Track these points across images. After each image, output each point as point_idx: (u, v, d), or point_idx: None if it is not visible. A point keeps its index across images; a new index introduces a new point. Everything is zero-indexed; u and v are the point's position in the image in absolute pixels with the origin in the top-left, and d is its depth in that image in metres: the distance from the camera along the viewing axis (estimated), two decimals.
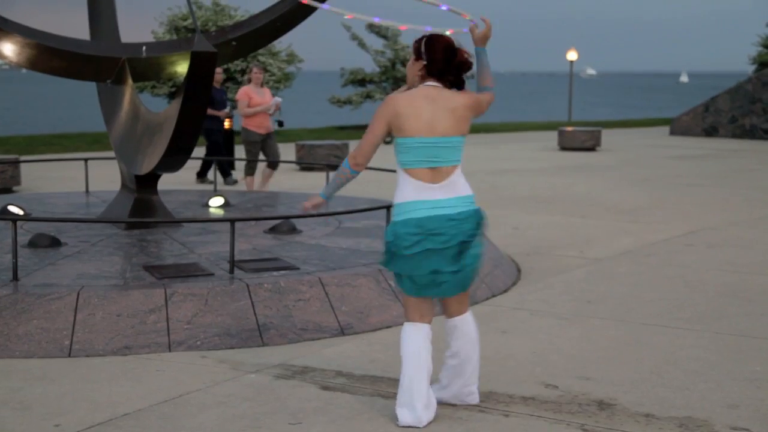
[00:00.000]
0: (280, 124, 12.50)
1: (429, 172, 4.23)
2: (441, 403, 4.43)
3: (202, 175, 14.15)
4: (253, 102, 11.68)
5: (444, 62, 4.26)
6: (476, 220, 4.28)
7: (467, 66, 4.31)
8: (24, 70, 8.47)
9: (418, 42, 4.33)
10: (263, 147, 11.89)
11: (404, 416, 4.23)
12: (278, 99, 11.97)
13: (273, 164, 12.04)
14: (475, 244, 4.29)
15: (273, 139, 11.98)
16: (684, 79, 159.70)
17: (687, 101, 29.33)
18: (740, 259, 8.36)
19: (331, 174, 11.17)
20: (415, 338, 4.33)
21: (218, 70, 14.08)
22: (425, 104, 4.22)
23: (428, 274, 4.23)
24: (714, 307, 6.57)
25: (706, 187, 13.88)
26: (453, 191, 4.25)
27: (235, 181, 13.85)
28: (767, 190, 13.56)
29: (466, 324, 4.52)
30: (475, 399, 4.52)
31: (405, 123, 4.20)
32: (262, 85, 12.06)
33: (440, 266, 4.22)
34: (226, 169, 13.98)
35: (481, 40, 4.42)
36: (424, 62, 4.28)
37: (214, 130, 13.76)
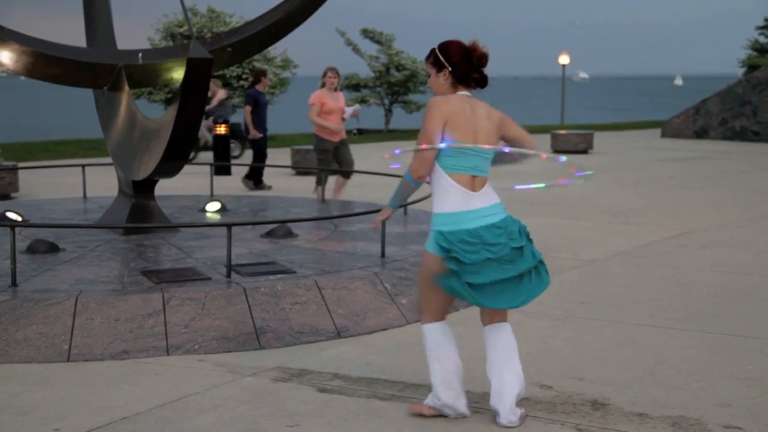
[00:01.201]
0: (359, 132, 12.02)
1: (470, 179, 4.19)
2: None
3: (251, 177, 13.75)
4: (326, 107, 10.74)
5: (467, 62, 4.25)
6: (517, 224, 4.27)
7: (486, 58, 4.30)
8: (22, 78, 8.46)
9: (433, 55, 4.30)
10: (336, 155, 10.98)
11: (447, 396, 4.26)
12: (357, 106, 11.49)
13: (346, 173, 11.14)
14: (526, 245, 4.24)
15: (347, 147, 11.09)
16: (679, 82, 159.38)
17: (679, 104, 29.37)
18: (732, 259, 8.38)
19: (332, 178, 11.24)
20: (446, 335, 4.40)
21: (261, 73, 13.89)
22: (468, 112, 4.21)
23: (490, 283, 4.17)
24: (706, 308, 6.58)
25: (697, 188, 13.91)
26: (491, 199, 4.23)
27: (270, 187, 13.50)
28: (758, 192, 13.59)
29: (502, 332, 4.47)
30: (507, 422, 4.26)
31: (460, 125, 4.16)
32: (336, 89, 11.09)
33: (499, 275, 4.16)
34: (259, 176, 13.70)
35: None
36: (449, 69, 4.26)
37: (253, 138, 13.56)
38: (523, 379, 4.33)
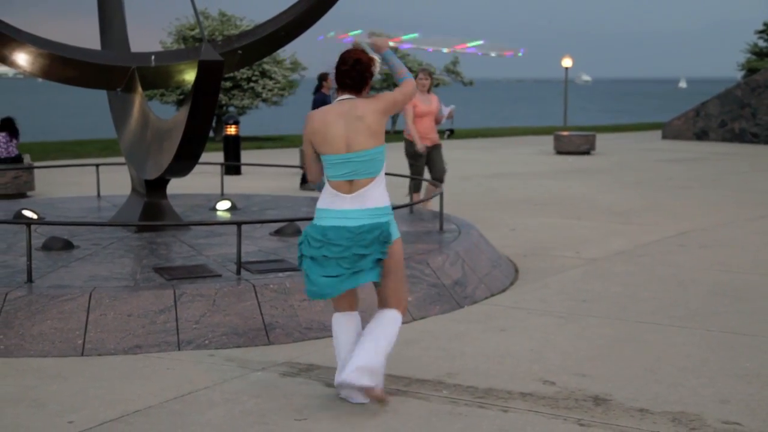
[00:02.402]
0: (450, 133, 11.35)
1: (346, 183, 4.38)
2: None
3: (304, 182, 13.64)
4: (418, 110, 10.02)
5: (339, 68, 4.44)
6: (377, 233, 4.33)
7: (355, 57, 4.43)
8: (39, 80, 8.49)
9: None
10: (428, 160, 10.22)
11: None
12: (452, 106, 10.60)
13: (438, 179, 10.23)
14: (371, 255, 4.32)
15: (439, 152, 10.28)
16: (683, 84, 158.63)
17: (682, 107, 29.29)
18: (731, 259, 8.36)
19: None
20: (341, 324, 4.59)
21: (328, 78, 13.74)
22: (338, 120, 4.36)
23: (320, 277, 4.34)
24: (706, 306, 6.56)
25: (697, 189, 13.88)
26: (362, 203, 4.36)
27: (314, 188, 13.44)
28: (757, 192, 13.55)
29: (384, 316, 4.56)
30: (346, 377, 4.36)
31: (325, 139, 4.37)
32: (429, 91, 10.39)
33: (329, 272, 4.33)
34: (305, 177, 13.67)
35: (380, 48, 4.57)
36: (330, 76, 4.51)
37: None
38: (379, 361, 4.37)
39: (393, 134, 28.09)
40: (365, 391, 4.33)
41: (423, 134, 10.03)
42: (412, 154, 10.11)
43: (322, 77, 13.22)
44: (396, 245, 4.49)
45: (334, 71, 4.47)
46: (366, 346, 4.37)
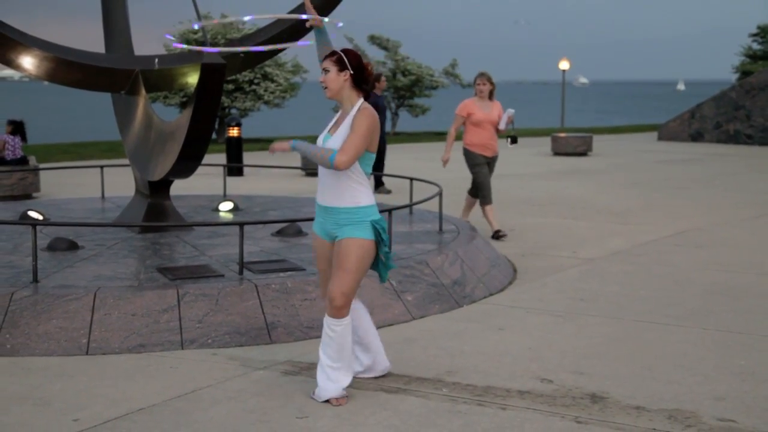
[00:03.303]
0: (513, 140, 9.82)
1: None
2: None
3: (378, 186, 13.37)
4: (473, 118, 9.26)
5: (362, 71, 4.53)
6: None
7: (374, 78, 4.74)
8: (45, 83, 8.48)
9: (337, 55, 4.47)
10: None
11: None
12: (510, 111, 9.48)
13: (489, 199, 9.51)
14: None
15: (494, 166, 9.58)
16: (681, 87, 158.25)
17: (679, 109, 29.27)
18: (726, 258, 8.36)
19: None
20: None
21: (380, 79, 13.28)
22: None
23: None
24: (701, 305, 6.56)
25: (693, 189, 13.87)
26: None
27: (389, 191, 13.05)
28: (751, 193, 13.55)
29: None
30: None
31: (375, 138, 4.48)
32: (491, 98, 9.41)
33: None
34: (379, 180, 13.32)
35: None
36: (351, 73, 4.48)
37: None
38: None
39: (393, 135, 28.12)
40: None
41: (483, 144, 9.30)
42: (474, 164, 9.42)
43: (376, 78, 13.12)
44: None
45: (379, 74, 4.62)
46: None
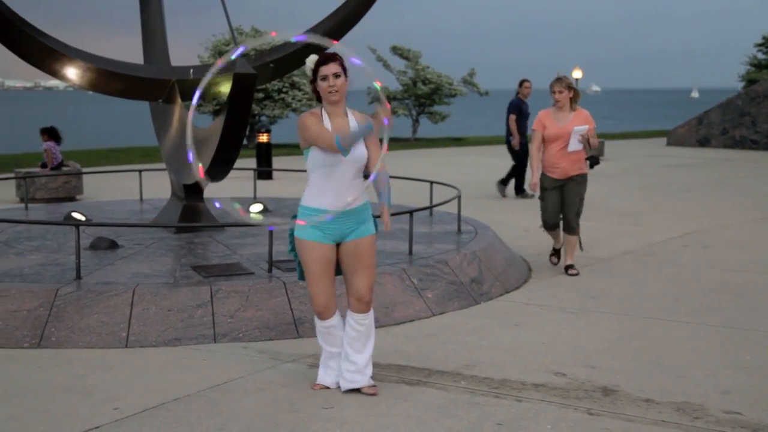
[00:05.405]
0: (593, 162, 7.34)
1: None
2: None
3: (520, 191, 13.15)
4: (548, 132, 7.24)
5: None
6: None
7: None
8: (90, 93, 8.54)
9: (342, 60, 4.26)
10: (562, 197, 7.36)
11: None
12: (584, 127, 7.15)
13: (567, 223, 7.45)
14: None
15: (574, 188, 7.28)
16: (695, 94, 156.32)
17: (688, 116, 29.01)
18: (732, 258, 8.27)
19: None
20: None
21: (527, 84, 12.90)
22: None
23: None
24: (708, 302, 6.50)
25: (700, 192, 13.75)
26: None
27: (532, 195, 12.43)
28: (756, 196, 13.41)
29: None
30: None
31: None
32: (572, 108, 7.27)
33: None
34: (520, 186, 13.11)
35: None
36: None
37: (513, 147, 12.91)
38: None
39: (414, 141, 28.08)
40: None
41: (551, 163, 7.29)
42: (541, 189, 7.44)
43: (520, 83, 12.98)
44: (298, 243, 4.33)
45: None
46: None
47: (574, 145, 7.17)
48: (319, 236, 4.25)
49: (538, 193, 7.50)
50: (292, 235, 4.36)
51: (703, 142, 25.11)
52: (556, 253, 7.80)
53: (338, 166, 4.18)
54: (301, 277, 4.45)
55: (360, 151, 4.22)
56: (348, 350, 4.43)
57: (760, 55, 38.35)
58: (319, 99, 4.34)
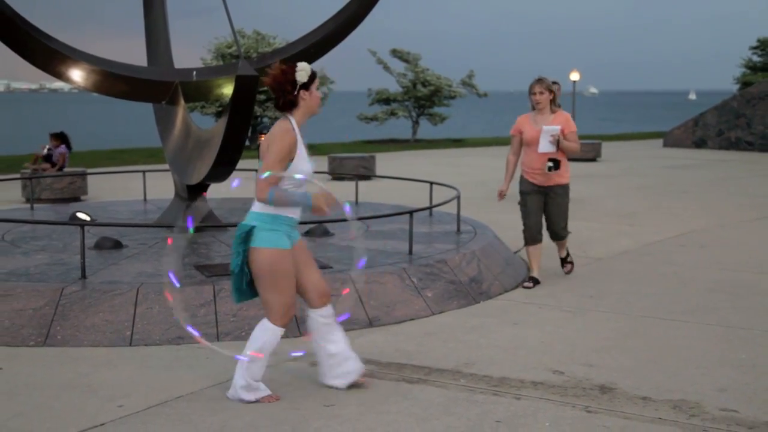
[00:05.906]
0: (551, 166, 6.84)
1: None
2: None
3: None
4: (526, 136, 6.93)
5: None
6: (238, 231, 4.28)
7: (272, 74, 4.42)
8: (95, 94, 8.55)
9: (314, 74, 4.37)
10: (545, 206, 7.03)
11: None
12: (552, 129, 6.83)
13: (554, 233, 7.16)
14: (235, 255, 4.27)
15: (557, 198, 6.98)
16: (692, 96, 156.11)
17: (685, 117, 29.01)
18: (728, 258, 8.28)
19: (360, 183, 11.16)
20: None
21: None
22: None
23: None
24: (704, 301, 6.50)
25: (696, 193, 13.75)
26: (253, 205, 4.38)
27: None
28: (752, 196, 13.41)
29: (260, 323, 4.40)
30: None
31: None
32: (552, 110, 6.94)
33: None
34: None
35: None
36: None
37: None
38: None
39: (414, 142, 28.10)
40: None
41: (530, 166, 6.95)
42: (520, 192, 7.10)
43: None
44: (255, 253, 4.17)
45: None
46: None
47: (545, 146, 6.85)
48: (289, 243, 4.28)
49: (517, 200, 7.13)
50: (245, 251, 4.18)
51: (699, 144, 25.12)
52: (531, 279, 7.01)
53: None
54: (246, 297, 4.32)
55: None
56: (329, 348, 4.39)
57: (756, 58, 38.37)
58: (290, 108, 4.34)
